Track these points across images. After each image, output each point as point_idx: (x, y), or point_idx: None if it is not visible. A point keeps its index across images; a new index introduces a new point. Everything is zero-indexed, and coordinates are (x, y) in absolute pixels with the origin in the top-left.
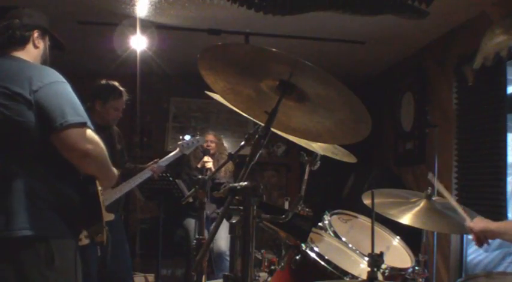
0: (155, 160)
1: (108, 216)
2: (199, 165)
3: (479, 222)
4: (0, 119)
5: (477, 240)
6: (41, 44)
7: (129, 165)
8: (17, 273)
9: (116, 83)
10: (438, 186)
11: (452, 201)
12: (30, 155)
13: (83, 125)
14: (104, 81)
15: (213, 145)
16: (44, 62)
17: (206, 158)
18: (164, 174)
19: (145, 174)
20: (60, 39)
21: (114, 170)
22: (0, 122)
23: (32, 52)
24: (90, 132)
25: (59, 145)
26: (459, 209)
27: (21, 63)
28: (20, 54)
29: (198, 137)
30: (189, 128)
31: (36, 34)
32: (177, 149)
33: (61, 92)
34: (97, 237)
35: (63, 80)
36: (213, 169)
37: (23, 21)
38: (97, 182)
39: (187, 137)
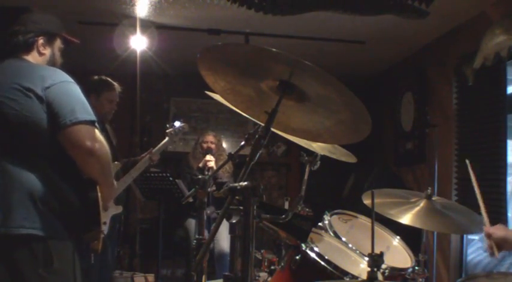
0: (149, 150)
1: (117, 209)
2: (200, 165)
3: (500, 230)
4: (9, 113)
5: (490, 248)
6: (46, 51)
7: (124, 160)
8: (13, 273)
9: (108, 78)
10: (473, 178)
11: (480, 199)
12: (36, 154)
13: (92, 123)
14: (97, 77)
15: (213, 146)
16: (52, 66)
17: (208, 157)
18: (164, 174)
19: (144, 164)
20: (70, 38)
21: (114, 182)
22: (9, 116)
23: (37, 59)
24: (97, 132)
25: (66, 141)
26: (483, 209)
27: (30, 64)
28: (27, 58)
29: (182, 125)
30: (189, 128)
31: (41, 41)
32: (167, 138)
33: (72, 91)
34: (93, 243)
35: (73, 80)
36: (215, 167)
37: (28, 28)
38: (98, 188)
39: (177, 124)
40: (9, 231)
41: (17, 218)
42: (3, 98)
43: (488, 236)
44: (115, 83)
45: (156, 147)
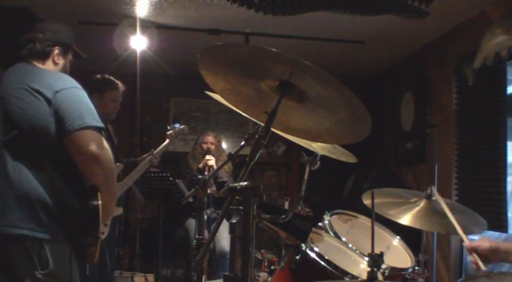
0: (150, 152)
1: (117, 210)
2: (200, 165)
3: (485, 241)
4: (14, 111)
5: (475, 264)
6: (60, 61)
7: (124, 160)
8: (8, 273)
9: (111, 77)
10: (438, 199)
11: (451, 217)
12: (40, 155)
13: (99, 129)
14: (99, 75)
15: (213, 147)
16: None
17: (208, 157)
18: (164, 174)
19: (144, 166)
20: (81, 53)
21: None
22: (14, 114)
23: (50, 68)
24: (103, 139)
25: (71, 146)
26: (457, 226)
27: (41, 69)
28: (40, 66)
29: (182, 127)
30: (189, 128)
31: (56, 51)
32: (167, 140)
33: (80, 97)
34: (90, 249)
35: (81, 87)
36: (215, 167)
37: (46, 36)
38: (99, 196)
39: (177, 126)
40: (3, 230)
41: (12, 217)
42: (10, 96)
43: (473, 250)
44: (118, 82)
45: (157, 150)
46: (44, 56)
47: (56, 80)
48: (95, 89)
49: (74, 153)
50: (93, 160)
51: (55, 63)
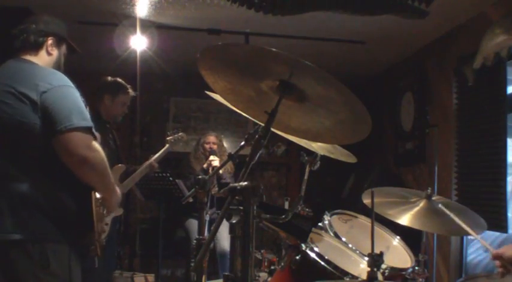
0: (150, 158)
1: (118, 211)
2: (204, 166)
3: (509, 249)
4: (3, 117)
5: (503, 267)
6: (54, 52)
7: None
8: (9, 275)
9: (122, 80)
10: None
11: (470, 230)
12: (30, 158)
13: (88, 130)
14: (111, 78)
15: (215, 147)
16: (57, 69)
17: (212, 157)
18: (164, 174)
19: (145, 170)
20: (75, 46)
21: (117, 189)
22: (2, 120)
23: (44, 58)
24: (92, 140)
25: (59, 148)
26: (479, 238)
27: (31, 66)
28: (33, 58)
29: (180, 134)
30: (189, 128)
31: (50, 41)
32: (167, 145)
33: (69, 96)
34: (90, 249)
35: (72, 85)
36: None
37: (39, 27)
38: (93, 193)
39: (176, 132)
40: (2, 237)
41: (8, 224)
42: None
43: (498, 257)
44: (129, 87)
45: (157, 155)
46: (37, 47)
47: (43, 80)
48: (108, 90)
49: (63, 155)
50: (82, 163)
51: (49, 54)
